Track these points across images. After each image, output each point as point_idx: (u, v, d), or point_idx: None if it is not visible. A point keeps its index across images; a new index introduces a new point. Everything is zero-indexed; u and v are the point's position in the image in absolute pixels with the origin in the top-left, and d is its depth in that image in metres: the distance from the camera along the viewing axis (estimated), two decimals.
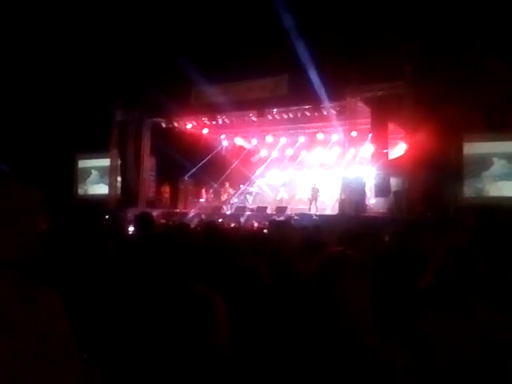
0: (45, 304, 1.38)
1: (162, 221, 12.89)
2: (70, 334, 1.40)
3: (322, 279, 1.71)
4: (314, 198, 16.82)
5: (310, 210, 16.38)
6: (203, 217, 14.88)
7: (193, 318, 1.40)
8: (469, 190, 15.02)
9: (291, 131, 19.34)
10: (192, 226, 8.51)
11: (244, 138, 20.76)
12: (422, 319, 2.14)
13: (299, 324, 2.02)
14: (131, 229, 6.71)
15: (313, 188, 17.04)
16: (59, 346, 1.36)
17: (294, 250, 3.58)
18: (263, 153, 20.99)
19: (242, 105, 16.09)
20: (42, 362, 1.31)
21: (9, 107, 17.35)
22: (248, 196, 19.65)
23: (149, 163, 19.13)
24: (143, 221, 3.81)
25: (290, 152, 20.09)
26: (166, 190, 19.10)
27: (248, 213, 16.72)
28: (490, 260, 2.31)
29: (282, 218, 11.73)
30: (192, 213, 17.14)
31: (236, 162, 20.50)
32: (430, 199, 13.34)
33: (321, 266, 1.75)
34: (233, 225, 12.65)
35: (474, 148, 15.16)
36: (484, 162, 15.10)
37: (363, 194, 14.20)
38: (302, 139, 19.35)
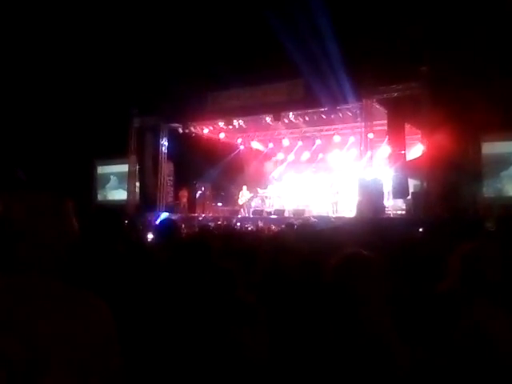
0: (92, 309, 1.40)
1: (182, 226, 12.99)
2: (115, 337, 1.42)
3: (339, 280, 1.74)
4: (335, 200, 16.91)
5: (333, 212, 16.43)
6: (221, 221, 14.97)
7: (233, 321, 1.46)
8: (488, 190, 14.85)
9: (308, 134, 19.32)
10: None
11: (261, 141, 20.81)
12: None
13: (318, 322, 2.06)
14: (150, 236, 6.78)
15: (332, 192, 17.10)
16: (104, 349, 1.37)
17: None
18: (280, 156, 21.01)
19: (258, 109, 16.15)
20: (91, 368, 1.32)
21: (29, 115, 17.66)
22: (265, 199, 19.68)
23: (166, 168, 19.29)
24: (167, 229, 3.83)
25: (306, 155, 20.08)
26: (184, 194, 19.21)
27: (266, 216, 16.78)
28: (509, 262, 2.32)
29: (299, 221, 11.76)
30: (210, 217, 17.25)
31: (253, 166, 20.60)
32: (449, 200, 13.24)
33: (338, 266, 1.78)
34: (250, 228, 12.73)
35: (492, 147, 14.99)
36: (503, 162, 14.92)
37: (381, 196, 14.13)
38: (318, 142, 19.32)
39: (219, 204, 19.55)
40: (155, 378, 2.31)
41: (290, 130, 18.95)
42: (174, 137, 19.04)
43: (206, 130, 18.95)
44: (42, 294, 1.36)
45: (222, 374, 1.44)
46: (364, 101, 14.64)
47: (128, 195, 19.33)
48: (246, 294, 1.60)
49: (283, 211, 17.30)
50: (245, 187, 19.26)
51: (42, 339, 1.28)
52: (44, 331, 1.29)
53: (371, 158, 15.33)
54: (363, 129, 15.39)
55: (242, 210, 18.55)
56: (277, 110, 16.19)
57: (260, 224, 14.64)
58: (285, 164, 20.91)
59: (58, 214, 1.50)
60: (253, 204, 19.01)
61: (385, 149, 15.61)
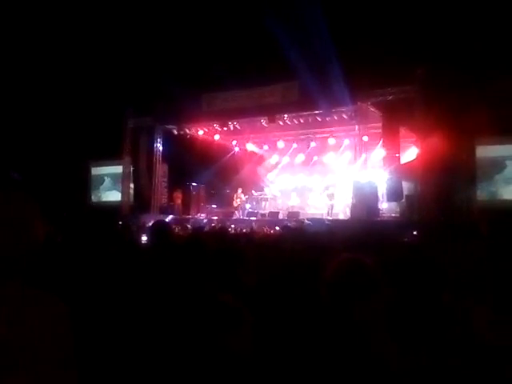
0: (47, 311, 1.36)
1: (175, 227, 12.95)
2: (71, 342, 1.39)
3: (335, 286, 1.72)
4: (329, 202, 16.93)
5: (328, 215, 16.44)
6: (215, 223, 14.94)
7: (221, 327, 1.43)
8: (482, 194, 14.88)
9: (302, 136, 19.36)
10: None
11: (255, 143, 20.81)
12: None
13: (312, 328, 2.04)
14: (144, 238, 6.75)
15: (328, 194, 17.12)
16: (59, 352, 1.34)
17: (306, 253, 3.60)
18: (275, 158, 21.03)
19: (253, 111, 16.13)
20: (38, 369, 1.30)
21: (23, 116, 17.59)
22: (260, 201, 19.67)
23: (161, 170, 19.26)
24: (160, 231, 3.80)
25: (301, 157, 20.10)
26: (179, 196, 19.18)
27: (260, 218, 16.77)
28: (502, 266, 2.32)
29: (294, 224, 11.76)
30: (204, 219, 17.23)
31: (248, 168, 20.61)
32: (443, 203, 13.27)
33: (334, 272, 1.76)
34: (244, 230, 12.70)
35: (486, 151, 15.04)
36: (497, 165, 14.98)
37: (375, 199, 14.15)
38: (313, 144, 19.35)
39: (213, 206, 19.51)
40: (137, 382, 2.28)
41: (285, 133, 18.95)
42: (168, 138, 19.03)
43: (200, 132, 18.91)
44: None
45: (204, 381, 1.41)
46: (359, 103, 14.67)
47: (122, 196, 19.28)
48: (231, 297, 1.58)
49: (278, 213, 17.31)
50: (240, 189, 19.25)
51: None
52: None
53: (366, 160, 15.36)
54: (358, 131, 15.43)
55: (236, 211, 18.54)
56: (272, 112, 16.19)
57: (254, 226, 14.62)
58: (279, 166, 20.92)
59: (14, 214, 1.43)
60: (247, 206, 19.00)
61: (379, 151, 15.64)
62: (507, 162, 14.94)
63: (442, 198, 13.36)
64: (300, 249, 3.71)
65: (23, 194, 1.48)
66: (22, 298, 1.37)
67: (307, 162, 20.05)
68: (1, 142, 15.72)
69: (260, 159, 21.48)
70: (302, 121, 16.63)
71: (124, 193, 19.21)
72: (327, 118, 15.90)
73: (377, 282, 1.71)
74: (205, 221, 16.47)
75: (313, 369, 1.64)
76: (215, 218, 17.27)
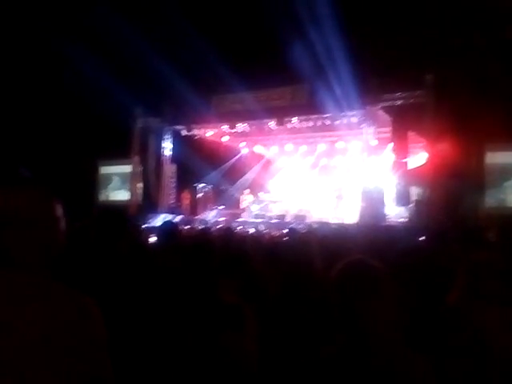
0: (80, 311, 1.34)
1: (183, 228, 12.95)
2: (105, 344, 1.36)
3: (341, 287, 1.72)
4: (337, 206, 16.88)
5: (335, 218, 16.38)
6: (222, 224, 14.94)
7: (223, 326, 1.44)
8: (490, 201, 14.77)
9: (311, 140, 19.33)
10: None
11: (264, 146, 20.84)
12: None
13: (318, 330, 2.04)
14: (152, 238, 6.76)
15: (337, 196, 17.08)
16: (91, 353, 1.32)
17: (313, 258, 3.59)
18: (282, 161, 21.03)
19: (261, 113, 16.14)
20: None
21: (33, 115, 17.70)
22: (267, 203, 19.66)
23: (169, 170, 19.33)
24: (168, 231, 3.81)
25: (309, 160, 20.08)
26: (186, 196, 19.24)
27: (267, 220, 16.76)
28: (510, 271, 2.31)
29: (301, 227, 11.75)
30: (212, 220, 17.26)
31: (256, 170, 20.63)
32: (451, 209, 13.20)
33: (341, 274, 1.76)
34: (251, 232, 12.69)
35: (496, 157, 14.92)
36: (506, 172, 14.86)
37: (383, 203, 14.11)
38: (321, 147, 19.33)
39: (221, 207, 19.54)
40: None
41: (294, 135, 18.94)
42: (177, 139, 19.11)
43: (209, 133, 18.97)
44: (26, 292, 1.32)
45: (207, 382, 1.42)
46: (368, 108, 14.63)
47: (130, 196, 19.36)
48: (234, 297, 1.59)
49: (284, 216, 17.29)
50: (247, 191, 19.26)
51: (23, 339, 1.24)
52: (26, 331, 1.25)
53: (374, 164, 15.31)
54: (367, 135, 15.38)
55: (243, 213, 18.55)
56: (280, 114, 16.19)
57: (261, 228, 14.61)
58: (287, 169, 20.92)
59: (47, 211, 1.45)
60: (254, 208, 19.00)
61: (388, 156, 15.59)
62: None
63: (450, 204, 13.30)
64: (308, 252, 3.72)
65: (49, 191, 1.49)
66: (54, 295, 1.36)
67: (315, 166, 20.03)
68: (11, 141, 15.84)
69: (268, 161, 21.51)
70: (310, 124, 16.62)
71: (132, 192, 19.30)
72: (336, 122, 15.88)
73: (383, 283, 1.70)
74: (212, 222, 16.49)
75: (316, 369, 1.64)
76: (222, 218, 17.30)
